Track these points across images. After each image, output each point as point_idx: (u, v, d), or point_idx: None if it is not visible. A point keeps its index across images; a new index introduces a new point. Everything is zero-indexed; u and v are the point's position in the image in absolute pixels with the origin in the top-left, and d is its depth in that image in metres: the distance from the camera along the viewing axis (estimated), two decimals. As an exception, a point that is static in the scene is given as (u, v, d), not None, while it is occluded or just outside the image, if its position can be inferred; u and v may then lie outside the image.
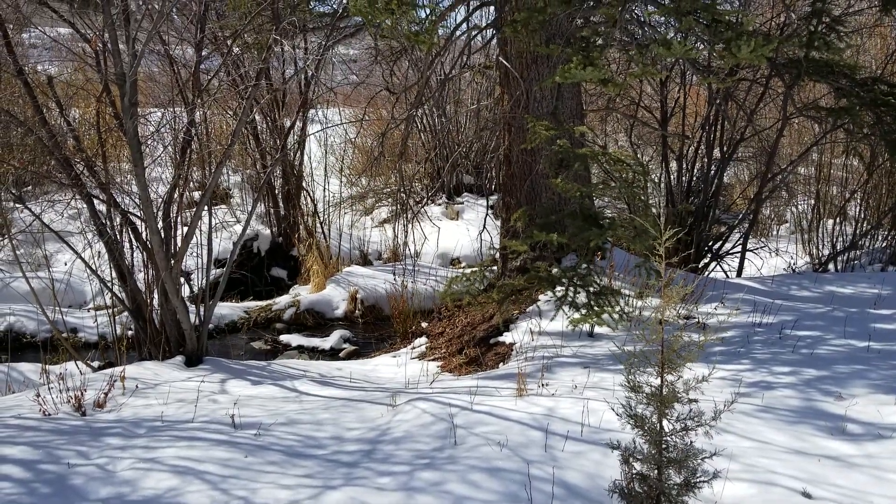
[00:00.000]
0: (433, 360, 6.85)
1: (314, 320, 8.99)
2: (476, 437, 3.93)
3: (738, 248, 8.99)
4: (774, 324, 5.87)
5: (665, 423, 3.00)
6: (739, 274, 8.88)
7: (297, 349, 8.12)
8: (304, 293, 9.45)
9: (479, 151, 13.57)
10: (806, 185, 11.20)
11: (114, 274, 6.43)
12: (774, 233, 12.00)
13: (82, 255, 6.33)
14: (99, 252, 6.80)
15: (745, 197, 10.76)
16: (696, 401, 2.98)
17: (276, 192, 10.75)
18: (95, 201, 6.23)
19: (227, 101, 10.06)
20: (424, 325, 8.20)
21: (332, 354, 7.93)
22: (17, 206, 8.87)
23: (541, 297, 6.99)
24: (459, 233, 11.38)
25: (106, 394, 4.81)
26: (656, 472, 3.00)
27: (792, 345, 5.31)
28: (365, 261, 10.90)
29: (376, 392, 5.27)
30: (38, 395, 4.67)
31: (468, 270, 6.82)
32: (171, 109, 6.64)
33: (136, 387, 5.17)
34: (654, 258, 3.22)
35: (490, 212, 10.74)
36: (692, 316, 6.05)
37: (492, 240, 8.82)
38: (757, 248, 9.67)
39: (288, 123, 10.14)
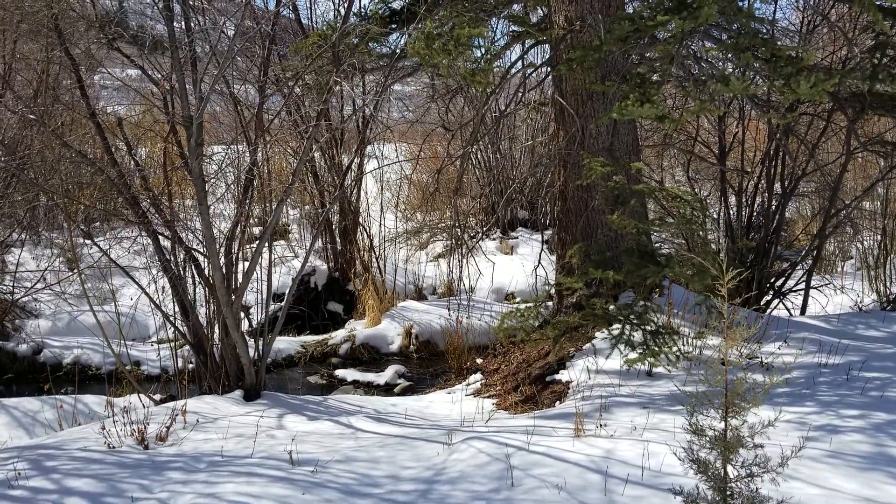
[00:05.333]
0: (488, 397, 6.81)
1: (369, 355, 9.05)
2: (533, 479, 3.88)
3: (802, 286, 8.75)
4: (841, 364, 5.69)
5: (730, 468, 2.93)
6: (803, 312, 8.63)
7: (352, 384, 8.17)
8: (359, 328, 9.53)
9: (533, 187, 13.58)
10: (872, 220, 10.88)
11: (176, 308, 6.60)
12: (839, 269, 11.64)
13: (147, 290, 6.51)
14: (163, 287, 6.99)
15: (807, 233, 10.49)
16: (762, 446, 2.90)
17: (334, 227, 10.91)
18: (160, 238, 6.43)
19: (288, 140, 10.30)
20: (479, 361, 8.17)
21: (387, 390, 7.96)
22: (86, 241, 9.21)
23: (597, 334, 6.91)
24: (514, 268, 11.36)
25: (168, 428, 4.91)
26: (720, 519, 2.92)
27: (860, 387, 5.13)
28: (420, 296, 10.94)
29: (431, 430, 5.26)
30: (104, 428, 4.79)
31: (522, 306, 6.79)
32: (235, 148, 6.83)
33: (197, 421, 5.27)
34: (715, 297, 3.16)
35: (545, 247, 10.69)
36: (755, 356, 5.90)
37: (547, 275, 8.78)
38: (821, 286, 9.39)
39: (346, 160, 10.32)
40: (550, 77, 7.67)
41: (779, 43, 6.09)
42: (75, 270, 8.77)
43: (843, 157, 8.17)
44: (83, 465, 4.33)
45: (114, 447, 4.67)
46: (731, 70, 6.44)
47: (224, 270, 6.08)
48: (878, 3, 5.44)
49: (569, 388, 6.23)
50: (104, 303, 9.12)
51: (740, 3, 5.64)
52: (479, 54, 6.36)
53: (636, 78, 6.02)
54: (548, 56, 7.75)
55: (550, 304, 7.79)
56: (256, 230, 10.94)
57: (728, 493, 2.92)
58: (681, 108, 9.13)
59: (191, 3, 6.27)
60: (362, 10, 8.28)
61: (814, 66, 5.61)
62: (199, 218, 5.93)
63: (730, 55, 6.12)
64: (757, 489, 2.91)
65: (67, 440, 4.91)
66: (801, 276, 8.80)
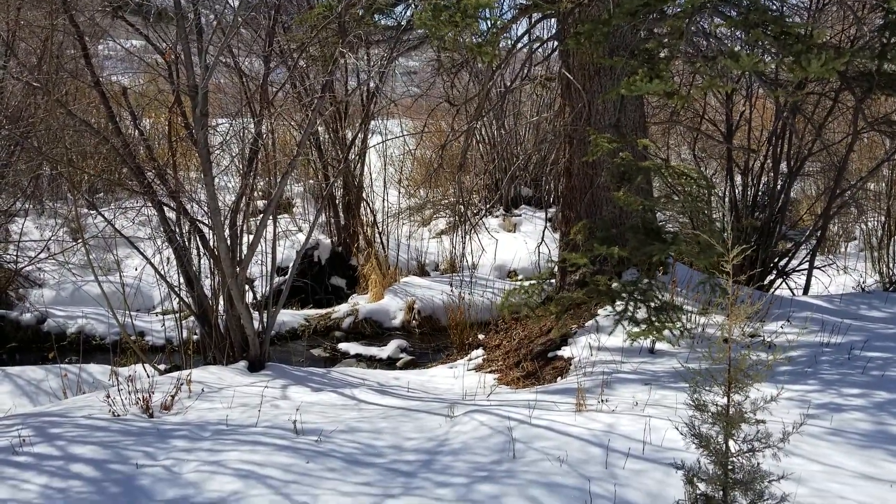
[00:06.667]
0: (490, 372, 6.84)
1: (372, 329, 9.08)
2: (535, 452, 3.91)
3: (805, 266, 8.75)
4: (843, 344, 5.70)
5: (731, 443, 2.94)
6: (806, 292, 8.64)
7: (355, 357, 8.21)
8: (362, 302, 9.55)
9: (537, 163, 13.53)
10: (876, 201, 10.85)
11: (181, 279, 6.61)
12: (843, 250, 11.64)
13: (152, 261, 6.52)
14: (168, 258, 7.00)
15: (812, 213, 10.46)
16: (763, 422, 2.91)
17: (337, 202, 10.90)
18: (165, 209, 6.42)
19: (292, 113, 10.27)
20: (481, 336, 8.20)
21: (390, 364, 8.00)
22: (91, 211, 9.21)
23: (600, 311, 6.92)
24: (517, 245, 11.35)
25: (173, 396, 4.94)
26: (721, 493, 2.93)
27: (862, 366, 5.15)
28: (422, 271, 10.95)
29: (434, 402, 5.29)
30: (108, 397, 4.82)
31: (526, 283, 6.79)
32: (240, 120, 6.80)
33: (202, 390, 5.30)
34: (721, 275, 3.17)
35: (548, 224, 10.68)
36: (757, 334, 5.92)
37: (549, 253, 8.78)
38: (824, 266, 9.39)
39: (350, 135, 10.28)
40: (557, 52, 7.62)
41: (788, 20, 6.03)
42: (79, 240, 8.78)
43: (849, 137, 8.13)
44: (88, 433, 4.36)
45: (118, 415, 4.70)
46: (739, 47, 6.37)
47: (229, 242, 6.09)
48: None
49: (570, 364, 6.25)
50: (108, 273, 9.14)
51: (751, -21, 5.58)
52: (485, 27, 6.30)
53: (644, 53, 5.96)
54: (555, 30, 7.68)
55: (553, 281, 7.79)
56: (260, 203, 10.92)
57: (729, 467, 2.93)
58: (688, 85, 9.08)
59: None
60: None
61: (824, 44, 5.55)
62: (204, 189, 5.92)
63: (739, 32, 6.06)
64: (758, 464, 2.92)
65: (72, 408, 4.95)
66: (805, 256, 8.79)
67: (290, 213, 12.57)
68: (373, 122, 11.64)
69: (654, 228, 5.98)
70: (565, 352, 6.52)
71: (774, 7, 6.66)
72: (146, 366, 6.40)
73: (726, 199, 8.85)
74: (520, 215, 13.09)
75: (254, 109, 6.57)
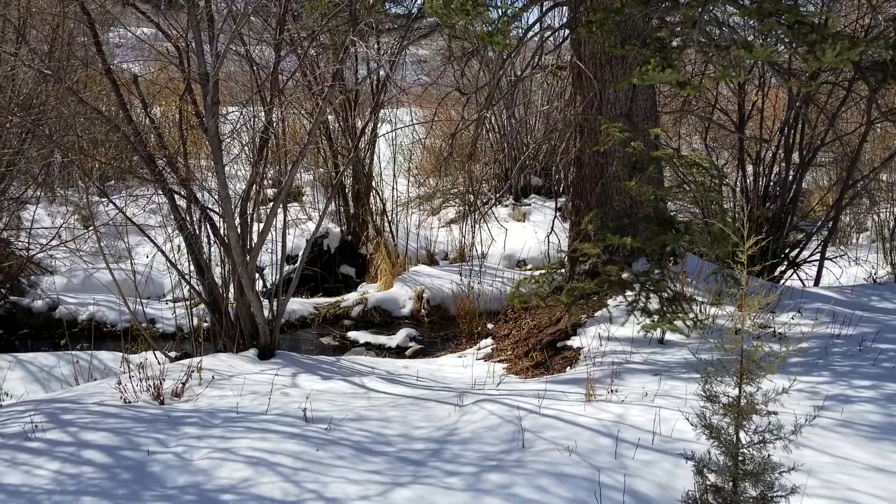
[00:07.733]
0: (499, 361, 6.84)
1: (381, 318, 9.09)
2: (544, 442, 3.92)
3: (816, 257, 8.69)
4: (854, 335, 5.67)
5: (742, 434, 2.94)
6: (817, 283, 8.59)
7: (364, 346, 8.23)
8: (371, 291, 9.56)
9: (547, 153, 13.48)
10: (888, 192, 10.77)
11: (192, 267, 6.63)
12: (854, 241, 11.56)
13: (163, 249, 6.54)
14: (178, 246, 7.02)
15: (824, 203, 10.40)
16: (775, 413, 2.90)
17: (347, 191, 10.90)
18: (176, 197, 6.44)
19: (303, 101, 10.25)
20: (490, 326, 8.20)
21: (399, 352, 8.01)
22: (102, 199, 9.24)
23: (610, 301, 6.91)
24: (526, 234, 11.33)
25: (183, 384, 4.97)
26: (731, 484, 2.93)
27: (873, 358, 5.12)
28: (431, 261, 10.95)
29: (443, 391, 5.30)
30: (120, 383, 4.84)
31: (537, 273, 6.79)
32: (251, 108, 6.80)
33: (213, 378, 5.32)
34: (735, 266, 3.15)
35: (558, 214, 10.65)
36: (768, 325, 5.89)
37: (559, 242, 8.75)
38: (836, 257, 9.33)
39: (360, 123, 10.26)
40: (569, 40, 7.58)
41: (802, 9, 5.97)
42: (91, 228, 8.81)
43: (862, 127, 8.06)
44: (99, 419, 4.39)
45: (130, 402, 4.73)
46: (753, 36, 6.32)
47: (239, 230, 6.10)
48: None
49: (580, 355, 6.25)
50: (119, 260, 9.18)
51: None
52: (496, 15, 6.27)
53: (657, 42, 5.93)
54: (566, 18, 7.64)
55: (563, 270, 7.77)
56: (270, 192, 10.94)
57: (740, 458, 2.93)
58: (700, 74, 9.02)
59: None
60: (379, -31, 8.16)
61: (838, 34, 5.50)
62: (215, 177, 5.93)
63: (753, 21, 6.00)
64: (768, 456, 2.92)
65: (83, 395, 4.98)
66: (816, 247, 8.74)
67: (300, 201, 12.59)
68: (383, 111, 11.62)
69: (667, 218, 5.95)
70: (575, 342, 6.51)
71: (789, -5, 6.60)
72: (157, 353, 6.43)
73: (738, 190, 8.79)
74: (529, 205, 13.06)
75: (264, 98, 6.56)
